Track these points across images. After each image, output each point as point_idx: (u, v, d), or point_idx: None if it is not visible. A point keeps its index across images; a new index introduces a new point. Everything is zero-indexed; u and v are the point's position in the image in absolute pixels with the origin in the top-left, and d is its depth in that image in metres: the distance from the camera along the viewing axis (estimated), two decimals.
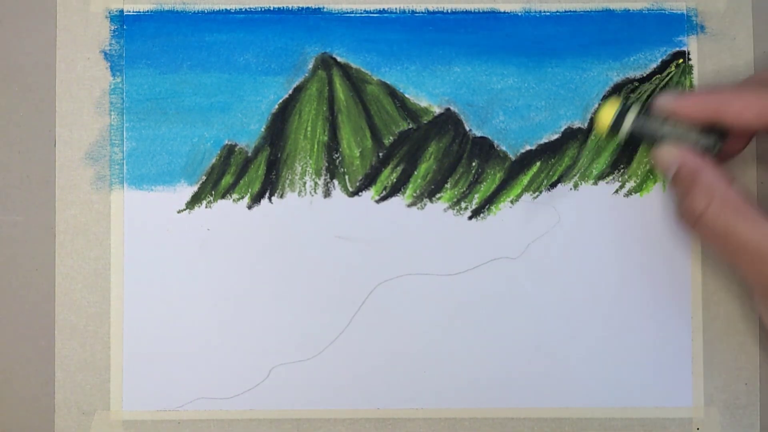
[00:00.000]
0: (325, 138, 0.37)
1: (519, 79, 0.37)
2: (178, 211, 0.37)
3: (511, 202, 0.37)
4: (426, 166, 0.37)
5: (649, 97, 0.37)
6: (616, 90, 0.37)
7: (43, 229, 0.37)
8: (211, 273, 0.37)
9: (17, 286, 0.37)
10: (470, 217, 0.37)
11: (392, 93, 0.37)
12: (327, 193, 0.37)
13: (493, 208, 0.37)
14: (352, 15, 0.37)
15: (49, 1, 0.37)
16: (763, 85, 0.32)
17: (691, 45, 0.37)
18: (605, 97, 0.37)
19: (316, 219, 0.37)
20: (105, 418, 0.37)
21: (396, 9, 0.37)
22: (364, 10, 0.37)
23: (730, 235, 0.31)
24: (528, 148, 0.37)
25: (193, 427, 0.37)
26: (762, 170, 0.37)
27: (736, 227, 0.31)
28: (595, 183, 0.37)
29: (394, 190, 0.37)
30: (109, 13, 0.37)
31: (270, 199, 0.37)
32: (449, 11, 0.37)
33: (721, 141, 0.33)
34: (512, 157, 0.37)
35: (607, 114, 0.35)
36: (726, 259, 0.32)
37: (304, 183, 0.37)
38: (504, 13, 0.37)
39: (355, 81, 0.37)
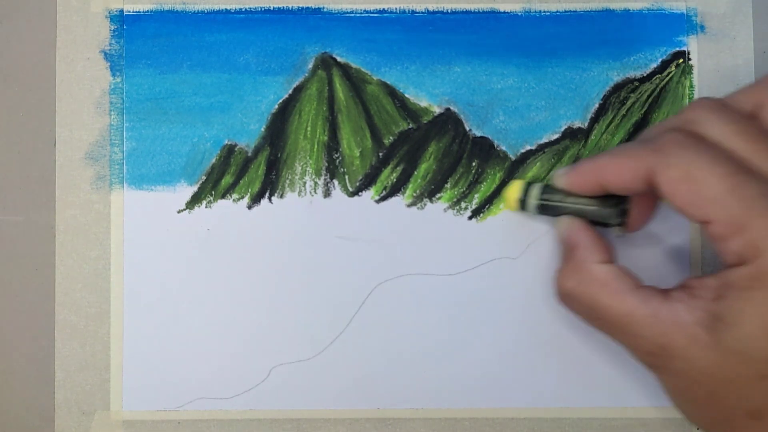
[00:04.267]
0: (325, 138, 0.37)
1: (519, 79, 0.37)
2: (178, 211, 0.37)
3: None
4: (426, 166, 0.37)
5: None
6: (616, 90, 0.37)
7: (43, 229, 0.37)
8: (211, 273, 0.37)
9: (17, 286, 0.37)
10: (470, 217, 0.37)
11: (392, 93, 0.37)
12: (327, 193, 0.37)
13: (493, 208, 0.37)
14: (352, 15, 0.37)
15: (49, 1, 0.38)
16: (638, 144, 0.31)
17: (691, 45, 0.37)
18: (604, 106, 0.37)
19: (316, 219, 0.37)
20: (105, 418, 0.37)
21: (396, 9, 0.37)
22: (364, 10, 0.37)
23: (596, 310, 0.31)
24: (528, 147, 0.37)
25: (193, 427, 0.37)
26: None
27: (601, 304, 0.30)
28: None
29: (394, 190, 0.37)
30: (109, 13, 0.37)
31: (270, 199, 0.37)
32: (449, 11, 0.37)
33: (623, 211, 0.33)
34: (512, 157, 0.37)
35: (513, 193, 0.35)
36: (603, 334, 0.32)
37: (304, 183, 0.37)
38: (504, 13, 0.37)
39: (355, 81, 0.37)
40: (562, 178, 0.33)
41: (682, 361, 0.29)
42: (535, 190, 0.34)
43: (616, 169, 0.30)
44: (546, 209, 0.34)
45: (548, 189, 0.34)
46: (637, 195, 0.33)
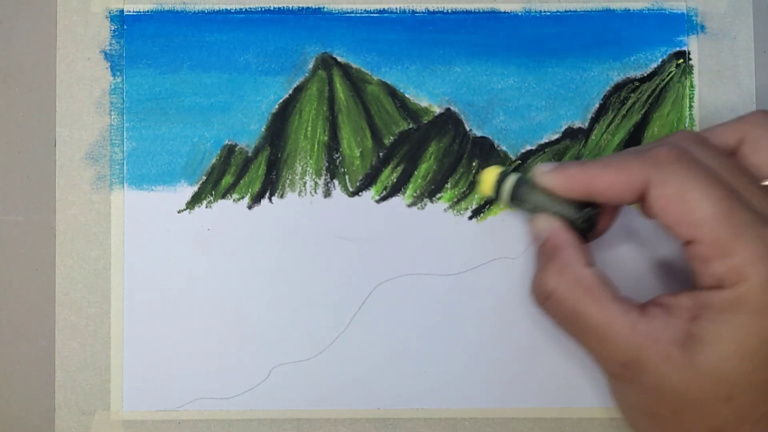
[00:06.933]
0: (326, 138, 0.37)
1: (519, 79, 0.37)
2: (179, 211, 0.37)
3: None
4: (426, 166, 0.37)
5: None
6: (616, 90, 0.37)
7: (43, 229, 0.37)
8: (211, 273, 0.37)
9: (17, 286, 0.37)
10: (470, 217, 0.37)
11: (392, 93, 0.37)
12: (327, 193, 0.37)
13: (493, 208, 0.37)
14: (352, 15, 0.37)
15: (49, 1, 0.38)
16: (632, 155, 0.30)
17: (692, 45, 0.37)
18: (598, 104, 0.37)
19: (316, 219, 0.37)
20: (105, 418, 0.37)
21: (396, 9, 0.37)
22: (364, 10, 0.37)
23: (576, 316, 0.30)
24: (528, 148, 0.37)
25: (193, 427, 0.37)
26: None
27: (583, 309, 0.30)
28: None
29: (394, 190, 0.37)
30: (109, 13, 0.37)
31: (270, 199, 0.37)
32: (449, 11, 0.37)
33: (594, 217, 0.32)
34: (513, 157, 0.37)
35: (488, 179, 0.34)
36: (575, 341, 0.31)
37: (305, 183, 0.37)
38: (504, 13, 0.37)
39: (355, 81, 0.37)
40: (546, 176, 0.32)
41: (653, 376, 0.29)
42: (510, 181, 0.34)
43: (609, 180, 0.30)
44: (518, 202, 0.33)
45: (523, 181, 0.33)
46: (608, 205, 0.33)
